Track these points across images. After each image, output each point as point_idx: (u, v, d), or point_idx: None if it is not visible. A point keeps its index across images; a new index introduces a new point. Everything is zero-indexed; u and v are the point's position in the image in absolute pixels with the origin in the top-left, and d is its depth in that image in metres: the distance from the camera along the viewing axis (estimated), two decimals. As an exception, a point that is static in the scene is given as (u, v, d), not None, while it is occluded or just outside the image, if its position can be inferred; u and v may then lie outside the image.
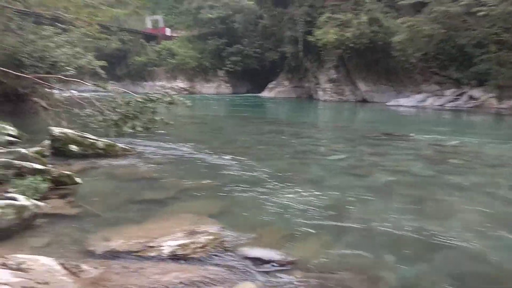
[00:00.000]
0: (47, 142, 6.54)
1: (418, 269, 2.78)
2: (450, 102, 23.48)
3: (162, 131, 9.41)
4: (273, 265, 2.76)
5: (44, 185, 3.99)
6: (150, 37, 47.71)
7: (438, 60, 25.19)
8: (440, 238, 3.35)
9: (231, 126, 13.78)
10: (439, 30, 21.02)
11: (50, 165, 5.00)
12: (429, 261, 2.91)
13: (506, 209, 4.28)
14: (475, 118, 17.78)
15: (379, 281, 2.58)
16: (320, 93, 31.65)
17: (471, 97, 23.22)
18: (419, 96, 25.28)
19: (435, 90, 25.83)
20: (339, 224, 3.64)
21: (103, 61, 15.78)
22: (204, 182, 5.16)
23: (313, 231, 3.44)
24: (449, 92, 24.59)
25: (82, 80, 11.39)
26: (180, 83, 44.45)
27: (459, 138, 9.96)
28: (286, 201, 4.32)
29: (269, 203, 4.22)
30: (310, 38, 28.16)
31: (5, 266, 2.35)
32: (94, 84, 9.34)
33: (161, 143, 8.08)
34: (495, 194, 4.80)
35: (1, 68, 9.58)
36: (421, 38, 22.06)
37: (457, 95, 23.82)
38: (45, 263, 2.48)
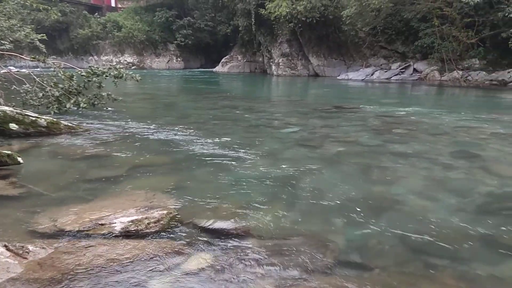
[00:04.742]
0: (-18, 121, 6.07)
1: (365, 231, 2.95)
2: (396, 75, 24.51)
3: (110, 108, 9.05)
4: (228, 235, 2.80)
5: (-19, 166, 3.73)
6: (94, 9, 45.00)
7: (386, 34, 26.05)
8: (386, 202, 3.56)
9: (184, 102, 13.52)
10: (387, 4, 21.60)
11: (-13, 145, 4.67)
12: (375, 223, 3.08)
13: (445, 173, 4.60)
14: (419, 90, 18.71)
15: (329, 244, 2.71)
16: (274, 67, 31.72)
17: (416, 70, 24.38)
18: (367, 70, 26.14)
19: (382, 63, 26.80)
20: (292, 193, 3.75)
21: (42, 34, 14.73)
22: (157, 158, 5.06)
23: (267, 200, 3.52)
24: (395, 66, 25.65)
25: (19, 54, 10.58)
26: (128, 58, 42.61)
27: (403, 109, 10.48)
28: (241, 173, 4.36)
29: (224, 177, 4.24)
30: (262, 11, 27.88)
31: None
32: (33, 59, 8.69)
33: (110, 120, 7.78)
34: (436, 160, 5.13)
35: None
36: (369, 12, 22.58)
37: (402, 68, 24.90)
38: (-14, 247, 2.35)
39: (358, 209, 3.34)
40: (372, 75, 25.27)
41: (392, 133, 7.11)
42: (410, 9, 22.40)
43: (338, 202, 3.50)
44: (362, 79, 24.71)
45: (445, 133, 7.16)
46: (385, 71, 25.34)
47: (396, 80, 23.80)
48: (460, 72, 21.43)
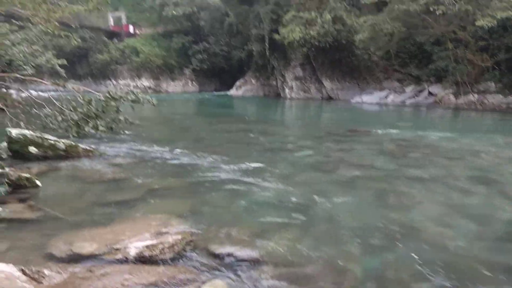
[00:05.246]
0: (4, 144, 6.24)
1: (382, 259, 2.89)
2: (410, 98, 24.36)
3: (127, 132, 9.19)
4: (242, 262, 2.77)
5: (2, 189, 3.81)
6: (113, 35, 46.39)
7: (399, 58, 26.06)
8: (403, 229, 3.49)
9: (199, 125, 13.67)
10: (400, 28, 21.71)
11: (8, 168, 4.77)
12: (393, 251, 3.02)
13: (462, 199, 4.50)
14: (434, 113, 18.54)
15: (346, 273, 2.66)
16: (287, 91, 31.97)
17: (430, 93, 24.19)
18: (381, 93, 26.06)
19: (396, 87, 26.69)
20: (306, 218, 3.71)
21: (63, 60, 15.23)
22: (172, 182, 5.10)
23: (282, 226, 3.49)
24: (410, 89, 25.51)
25: (40, 79, 10.92)
26: (145, 82, 43.49)
27: (419, 132, 10.37)
28: (255, 198, 4.35)
29: (238, 201, 4.24)
30: (276, 36, 28.35)
31: (-41, 275, 2.23)
32: (53, 83, 8.96)
33: (127, 143, 7.90)
34: (453, 185, 5.03)
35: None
36: (382, 36, 22.71)
37: (417, 92, 24.75)
38: (3, 270, 2.37)
39: (375, 236, 3.28)
40: (386, 98, 25.19)
41: (407, 157, 7.03)
42: (424, 33, 22.45)
43: (354, 228, 3.45)
44: (376, 103, 24.64)
45: (461, 157, 7.04)
46: (399, 94, 25.23)
47: (410, 103, 23.65)
48: (476, 95, 21.19)
